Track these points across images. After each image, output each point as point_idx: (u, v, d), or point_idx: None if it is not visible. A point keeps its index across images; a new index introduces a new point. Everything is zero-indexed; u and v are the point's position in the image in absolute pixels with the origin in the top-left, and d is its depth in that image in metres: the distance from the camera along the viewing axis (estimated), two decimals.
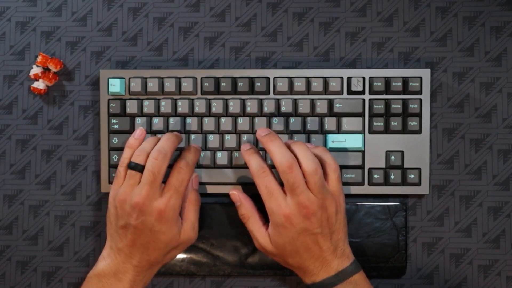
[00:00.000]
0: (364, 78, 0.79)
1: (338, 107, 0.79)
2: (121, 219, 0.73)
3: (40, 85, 0.83)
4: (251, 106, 0.79)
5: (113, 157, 0.80)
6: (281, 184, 0.73)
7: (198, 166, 0.79)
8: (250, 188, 0.78)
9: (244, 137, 0.79)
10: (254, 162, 0.74)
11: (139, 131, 0.77)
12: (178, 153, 0.78)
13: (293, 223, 0.71)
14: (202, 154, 0.79)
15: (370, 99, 0.79)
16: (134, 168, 0.73)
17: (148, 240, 0.73)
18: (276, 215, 0.72)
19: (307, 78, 0.79)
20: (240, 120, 0.79)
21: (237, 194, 0.76)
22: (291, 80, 0.80)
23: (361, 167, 0.79)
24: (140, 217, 0.72)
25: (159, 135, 0.79)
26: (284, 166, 0.71)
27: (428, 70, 0.79)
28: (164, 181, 0.74)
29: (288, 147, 0.73)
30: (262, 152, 0.79)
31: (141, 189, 0.72)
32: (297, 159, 0.72)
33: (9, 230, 0.84)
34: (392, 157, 0.79)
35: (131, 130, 0.80)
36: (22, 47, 0.85)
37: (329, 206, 0.72)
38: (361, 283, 0.72)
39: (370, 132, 0.80)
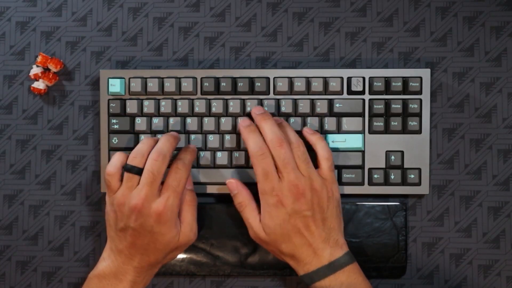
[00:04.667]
0: (364, 78, 0.79)
1: (338, 107, 0.79)
2: (120, 222, 0.73)
3: (40, 85, 0.83)
4: (251, 106, 0.79)
5: None
6: None
7: (198, 166, 0.79)
8: (250, 189, 0.78)
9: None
10: (252, 142, 0.73)
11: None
12: (175, 153, 0.78)
13: (283, 203, 0.72)
14: (202, 154, 0.79)
15: (370, 99, 0.79)
16: (131, 171, 0.73)
17: (148, 242, 0.73)
18: (268, 196, 0.72)
19: (307, 78, 0.79)
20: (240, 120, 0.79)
21: (234, 183, 0.76)
22: (291, 80, 0.80)
23: (361, 167, 0.79)
24: (139, 219, 0.72)
25: (155, 137, 0.78)
26: (274, 142, 0.72)
27: (428, 70, 0.79)
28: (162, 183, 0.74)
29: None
30: None
31: (140, 190, 0.72)
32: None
33: (9, 230, 0.84)
34: (392, 157, 0.79)
35: (131, 130, 0.80)
36: (22, 47, 0.85)
37: (320, 189, 0.73)
38: (354, 274, 0.72)
39: (370, 132, 0.80)
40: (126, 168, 0.73)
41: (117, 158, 0.74)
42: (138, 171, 0.73)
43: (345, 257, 0.73)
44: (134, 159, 0.73)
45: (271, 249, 0.75)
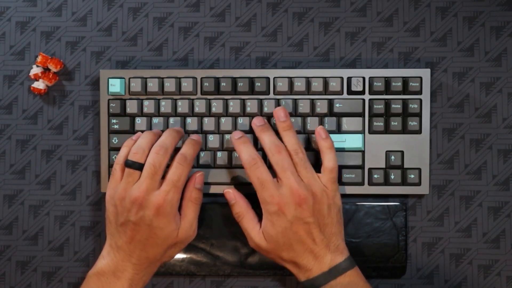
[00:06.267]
0: (364, 78, 0.79)
1: (338, 107, 0.79)
2: (121, 216, 0.73)
3: (40, 85, 0.83)
4: (251, 106, 0.79)
5: (113, 157, 0.80)
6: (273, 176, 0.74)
7: (198, 166, 0.79)
8: (250, 187, 0.78)
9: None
10: (245, 153, 0.74)
11: (139, 134, 0.77)
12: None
13: (285, 211, 0.71)
14: (202, 154, 0.79)
15: (370, 99, 0.79)
16: (132, 166, 0.73)
17: (146, 237, 0.73)
18: (269, 205, 0.72)
19: (307, 78, 0.79)
20: (240, 120, 0.79)
21: (231, 193, 0.77)
22: (291, 80, 0.80)
23: (361, 167, 0.79)
24: (139, 212, 0.72)
25: (154, 130, 0.78)
26: (272, 149, 0.73)
27: (428, 70, 0.79)
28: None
29: (280, 133, 0.76)
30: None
31: (141, 183, 0.72)
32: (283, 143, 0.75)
33: (9, 230, 0.84)
34: (392, 157, 0.79)
35: (131, 130, 0.80)
36: (22, 47, 0.85)
37: (320, 196, 0.72)
38: (355, 279, 0.72)
39: (370, 132, 0.80)
40: (127, 164, 0.73)
41: (126, 150, 0.75)
42: (139, 167, 0.73)
43: (346, 262, 0.73)
44: (135, 154, 0.73)
45: (272, 256, 0.75)
